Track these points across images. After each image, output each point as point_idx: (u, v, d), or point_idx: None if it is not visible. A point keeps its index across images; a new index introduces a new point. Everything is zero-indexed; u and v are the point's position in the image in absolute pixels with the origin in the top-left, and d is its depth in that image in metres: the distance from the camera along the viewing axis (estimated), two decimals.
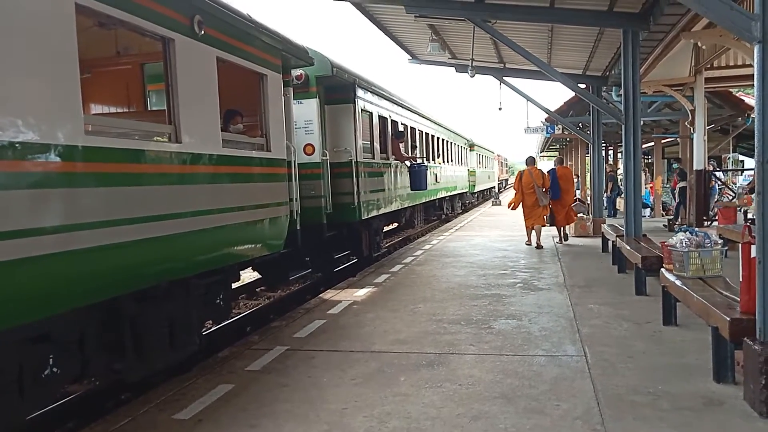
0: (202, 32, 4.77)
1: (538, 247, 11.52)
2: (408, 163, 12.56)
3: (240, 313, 7.82)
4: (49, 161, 3.30)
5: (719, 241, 5.34)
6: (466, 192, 25.63)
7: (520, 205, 11.97)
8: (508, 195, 32.12)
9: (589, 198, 16.21)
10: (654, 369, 4.36)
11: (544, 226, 11.97)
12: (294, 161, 6.77)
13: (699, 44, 9.90)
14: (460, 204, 24.48)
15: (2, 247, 2.98)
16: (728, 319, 3.80)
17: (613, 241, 9.17)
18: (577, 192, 18.81)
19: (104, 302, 3.90)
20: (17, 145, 3.09)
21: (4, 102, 3.03)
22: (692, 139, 12.75)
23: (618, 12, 8.61)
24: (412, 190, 12.60)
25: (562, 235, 12.42)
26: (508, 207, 13.05)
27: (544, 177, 11.88)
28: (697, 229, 5.70)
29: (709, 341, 4.18)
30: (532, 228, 11.80)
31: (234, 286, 6.75)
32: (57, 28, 3.39)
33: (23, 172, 3.16)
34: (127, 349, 4.25)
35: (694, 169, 12.18)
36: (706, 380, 4.06)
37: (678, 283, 4.99)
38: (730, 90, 15.53)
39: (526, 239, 12.05)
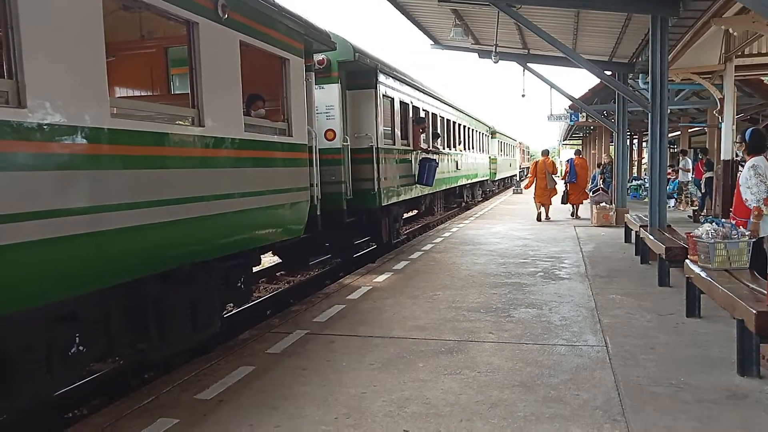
0: (226, 16, 4.77)
1: (547, 219, 14.70)
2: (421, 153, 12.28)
3: (260, 297, 7.91)
4: (76, 143, 3.35)
5: (746, 233, 5.23)
6: (487, 180, 25.44)
7: (533, 186, 15.23)
8: None
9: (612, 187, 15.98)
10: (676, 361, 4.31)
11: (551, 205, 15.09)
12: (315, 146, 6.78)
13: (730, 31, 9.60)
14: (480, 192, 24.31)
15: (32, 227, 3.04)
16: (755, 311, 3.73)
17: (636, 232, 9.04)
18: (600, 182, 18.53)
19: (129, 283, 3.97)
20: (46, 127, 3.14)
21: (34, 85, 3.07)
22: (720, 128, 12.45)
23: None
24: (416, 182, 11.68)
25: (575, 210, 15.45)
26: (525, 188, 16.99)
27: (554, 165, 15.56)
28: (723, 220, 5.59)
29: (733, 334, 4.12)
30: (542, 205, 14.84)
31: (255, 269, 6.82)
32: (83, 11, 3.42)
33: (52, 154, 3.21)
34: (150, 329, 4.34)
35: (722, 159, 11.90)
36: (730, 373, 4.01)
37: (703, 274, 4.90)
38: (761, 78, 15.10)
39: (537, 214, 14.85)
